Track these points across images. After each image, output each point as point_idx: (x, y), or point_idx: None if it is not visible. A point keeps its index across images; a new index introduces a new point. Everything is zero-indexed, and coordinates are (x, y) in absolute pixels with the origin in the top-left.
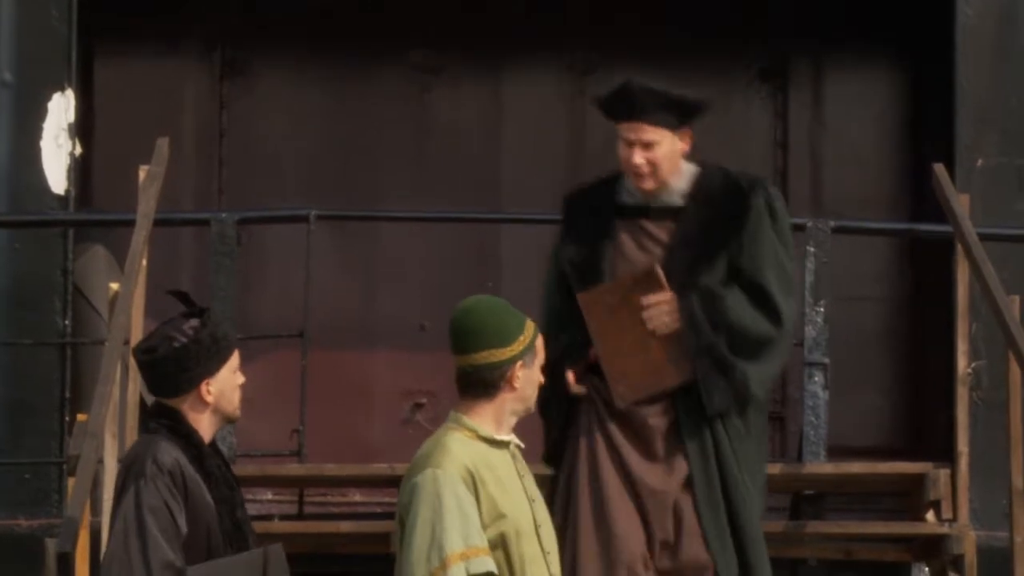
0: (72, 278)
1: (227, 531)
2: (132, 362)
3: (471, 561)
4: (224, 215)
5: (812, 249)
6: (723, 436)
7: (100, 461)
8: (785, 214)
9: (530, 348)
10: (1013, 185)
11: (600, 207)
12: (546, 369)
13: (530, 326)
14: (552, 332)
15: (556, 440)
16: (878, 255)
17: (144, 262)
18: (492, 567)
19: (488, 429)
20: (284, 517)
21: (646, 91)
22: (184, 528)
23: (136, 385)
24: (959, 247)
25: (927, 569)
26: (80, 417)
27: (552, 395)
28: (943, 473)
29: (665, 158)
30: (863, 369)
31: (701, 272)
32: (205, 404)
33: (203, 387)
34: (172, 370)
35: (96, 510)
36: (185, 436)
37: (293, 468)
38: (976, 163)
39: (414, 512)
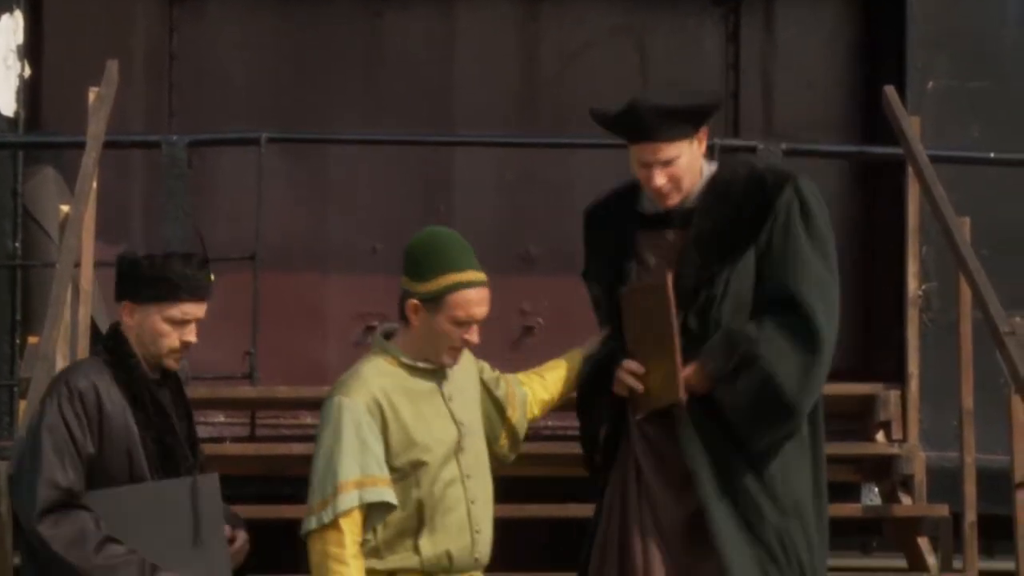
0: (22, 200)
1: (152, 458)
2: (83, 285)
3: (366, 490)
4: (175, 138)
5: None
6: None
7: None
8: (820, 210)
9: (435, 298)
10: (964, 107)
11: (621, 221)
12: (592, 369)
13: (451, 279)
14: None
15: (601, 444)
16: (829, 177)
17: (94, 184)
18: (389, 498)
19: (409, 355)
20: (236, 439)
21: (655, 110)
22: (91, 449)
23: (87, 308)
24: (910, 169)
25: (877, 489)
26: (31, 340)
27: (595, 396)
28: (893, 394)
29: (687, 170)
30: None
31: (718, 274)
32: (128, 325)
33: (126, 305)
34: (117, 274)
35: None
36: (120, 358)
37: (245, 390)
38: (927, 85)
39: (318, 440)
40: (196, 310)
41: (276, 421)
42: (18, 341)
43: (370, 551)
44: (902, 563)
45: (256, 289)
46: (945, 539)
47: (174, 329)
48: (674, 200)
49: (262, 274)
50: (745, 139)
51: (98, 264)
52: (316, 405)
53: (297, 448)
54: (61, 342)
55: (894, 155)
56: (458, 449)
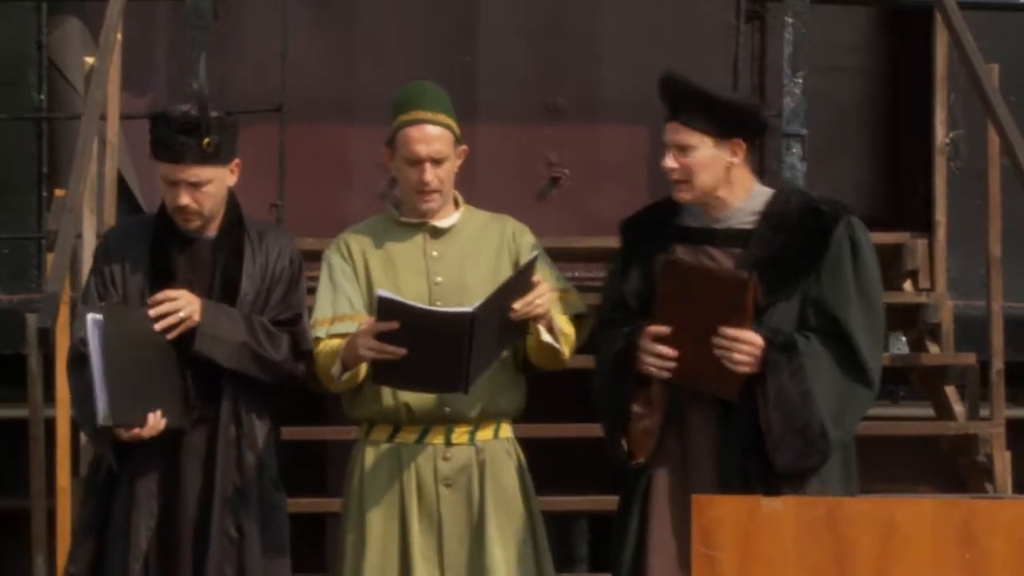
0: (47, 52)
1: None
2: (109, 137)
3: (334, 325)
4: None
5: (791, 20)
6: None
7: (79, 236)
8: (868, 248)
9: (391, 142)
10: None
11: (661, 230)
12: (607, 363)
13: (398, 120)
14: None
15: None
16: (857, 25)
17: (119, 35)
18: (354, 329)
19: (398, 210)
20: None
21: (682, 86)
22: (115, 300)
23: (114, 161)
24: (938, 16)
25: (904, 338)
26: (58, 192)
27: (613, 389)
28: (920, 243)
29: (704, 169)
30: (841, 140)
31: (771, 305)
32: None
33: None
34: None
35: (75, 285)
36: (157, 215)
37: None
38: None
39: None
40: (177, 172)
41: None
42: (45, 194)
43: (348, 400)
44: (929, 412)
45: (282, 141)
46: (972, 387)
47: (168, 189)
48: (685, 195)
49: (288, 126)
50: None
51: (124, 116)
52: None
53: None
54: (88, 195)
55: (922, 2)
56: (431, 300)
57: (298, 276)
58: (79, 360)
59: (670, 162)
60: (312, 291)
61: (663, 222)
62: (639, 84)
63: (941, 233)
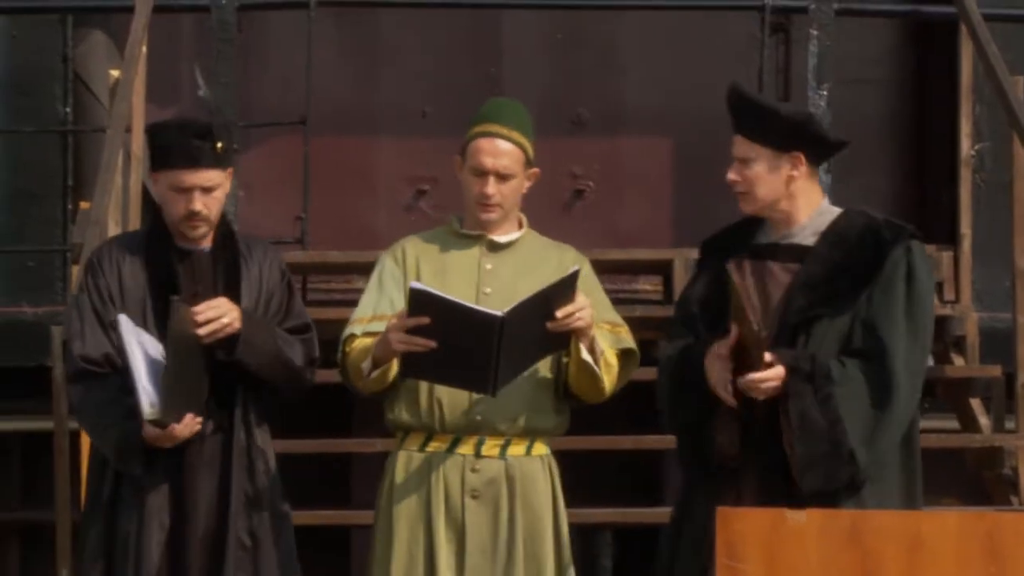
0: (72, 65)
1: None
2: (134, 150)
3: (371, 324)
4: (224, 1)
5: (815, 32)
6: None
7: None
8: (925, 276)
9: (463, 151)
10: None
11: (733, 246)
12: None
13: (472, 131)
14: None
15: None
16: (882, 37)
17: (144, 49)
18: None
19: (459, 221)
20: None
21: (741, 99)
22: (113, 316)
23: (139, 173)
24: (963, 28)
25: None
26: (83, 205)
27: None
28: (945, 255)
29: (761, 181)
30: (866, 152)
31: (819, 319)
32: (158, 194)
33: (152, 174)
34: None
35: None
36: (151, 229)
37: (296, 255)
38: None
39: None
40: (192, 178)
41: (328, 285)
42: (70, 207)
43: (387, 403)
44: (954, 424)
45: (307, 154)
46: (997, 400)
47: (179, 197)
48: (746, 206)
49: (313, 139)
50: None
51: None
52: (367, 269)
53: (349, 312)
54: (112, 207)
55: (947, 14)
56: None
57: (291, 287)
58: (83, 376)
59: (732, 175)
60: (308, 304)
61: (741, 240)
62: (663, 97)
63: (966, 245)
